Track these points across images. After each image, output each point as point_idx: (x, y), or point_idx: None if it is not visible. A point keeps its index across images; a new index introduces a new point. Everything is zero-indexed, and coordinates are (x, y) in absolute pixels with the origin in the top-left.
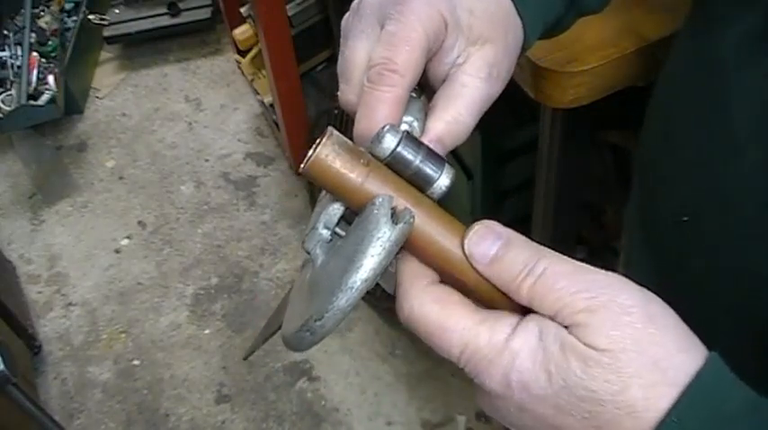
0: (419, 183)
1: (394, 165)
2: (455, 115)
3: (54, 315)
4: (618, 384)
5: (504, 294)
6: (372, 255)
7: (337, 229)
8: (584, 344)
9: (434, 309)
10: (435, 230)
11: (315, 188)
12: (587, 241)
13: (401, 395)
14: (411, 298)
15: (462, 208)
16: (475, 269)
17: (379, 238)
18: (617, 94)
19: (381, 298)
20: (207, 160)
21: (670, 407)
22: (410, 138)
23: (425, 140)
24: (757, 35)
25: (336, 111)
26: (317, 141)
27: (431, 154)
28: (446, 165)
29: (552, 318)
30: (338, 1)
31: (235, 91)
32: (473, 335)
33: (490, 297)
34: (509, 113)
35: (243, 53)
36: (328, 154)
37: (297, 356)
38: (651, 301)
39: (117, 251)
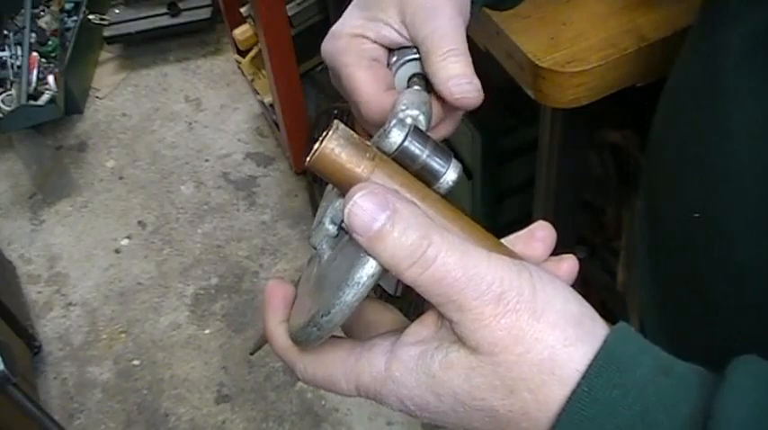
0: (426, 178)
1: (401, 160)
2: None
3: (54, 315)
4: (504, 389)
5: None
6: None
7: (344, 225)
8: (467, 347)
9: (318, 368)
10: (441, 224)
11: (315, 188)
12: (587, 241)
13: None
14: (293, 362)
15: (462, 208)
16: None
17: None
18: (617, 93)
19: (381, 298)
20: (207, 160)
21: (561, 406)
22: (417, 132)
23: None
24: (763, 33)
25: (336, 112)
26: (323, 134)
27: (438, 148)
28: (453, 159)
29: (439, 310)
30: (338, 1)
31: (235, 91)
32: (356, 376)
33: None
34: (509, 113)
35: (243, 53)
36: (334, 147)
37: None
38: (539, 292)
39: (117, 251)
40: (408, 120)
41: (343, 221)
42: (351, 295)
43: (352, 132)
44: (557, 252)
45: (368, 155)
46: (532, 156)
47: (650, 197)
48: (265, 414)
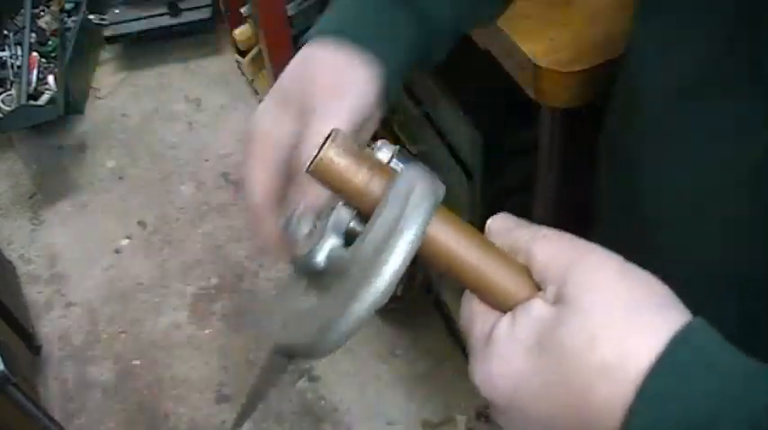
0: None
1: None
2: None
3: (54, 315)
4: (585, 339)
5: (498, 289)
6: (401, 251)
7: (353, 225)
8: (562, 301)
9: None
10: (438, 230)
11: None
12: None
13: (401, 395)
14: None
15: (462, 208)
16: (479, 260)
17: (421, 206)
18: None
19: None
20: (207, 160)
21: (648, 367)
22: (403, 152)
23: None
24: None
25: None
26: (323, 142)
27: (424, 166)
28: (437, 179)
29: (541, 273)
30: None
31: (235, 91)
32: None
33: (490, 291)
34: (509, 113)
35: (243, 53)
36: (333, 156)
37: None
38: (627, 262)
39: (117, 251)
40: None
41: (347, 228)
42: (389, 278)
43: (350, 140)
44: None
45: (367, 164)
46: (532, 156)
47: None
48: (265, 414)
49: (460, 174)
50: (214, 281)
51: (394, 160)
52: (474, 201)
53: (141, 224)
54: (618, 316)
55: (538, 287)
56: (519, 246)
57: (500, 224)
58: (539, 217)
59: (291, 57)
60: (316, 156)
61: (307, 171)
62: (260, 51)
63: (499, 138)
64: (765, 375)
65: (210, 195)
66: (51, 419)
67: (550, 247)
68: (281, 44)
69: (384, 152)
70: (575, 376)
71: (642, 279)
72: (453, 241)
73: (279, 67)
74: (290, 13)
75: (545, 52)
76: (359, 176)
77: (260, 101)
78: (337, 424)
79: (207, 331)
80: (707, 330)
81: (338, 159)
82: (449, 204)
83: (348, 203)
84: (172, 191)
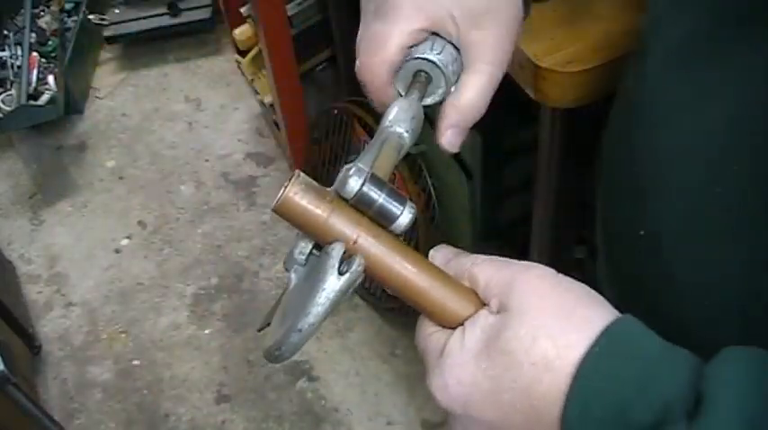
0: (382, 221)
1: (358, 205)
2: (467, 101)
3: (54, 315)
4: (527, 338)
5: (447, 309)
6: (318, 305)
7: (313, 253)
8: (505, 309)
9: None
10: (394, 260)
11: None
12: (587, 241)
13: (401, 395)
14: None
15: (462, 208)
16: (430, 285)
17: (325, 290)
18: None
19: (382, 298)
20: (207, 160)
21: (582, 355)
22: (374, 179)
23: (442, 127)
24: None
25: (336, 112)
26: (286, 183)
27: (393, 193)
28: (408, 203)
29: (484, 290)
30: (338, 1)
31: (235, 91)
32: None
33: (441, 311)
34: (509, 113)
35: (243, 53)
36: (296, 192)
37: (297, 356)
38: (561, 275)
39: (117, 251)
40: (397, 131)
41: (308, 256)
42: (296, 338)
43: (311, 180)
44: (557, 252)
45: (327, 198)
46: (532, 156)
47: (603, 210)
48: (265, 414)
49: (460, 174)
50: (214, 281)
51: (365, 187)
52: (474, 201)
53: (141, 224)
54: (556, 316)
55: (483, 303)
56: (462, 271)
57: (443, 254)
58: (539, 217)
59: (291, 57)
60: (280, 195)
61: (273, 209)
62: (260, 51)
63: (499, 138)
64: (685, 358)
65: (210, 195)
66: (51, 419)
67: (491, 268)
68: (281, 44)
69: (354, 179)
70: (520, 374)
71: (575, 285)
72: (404, 269)
73: (279, 66)
74: (290, 13)
75: (545, 52)
76: (319, 212)
77: (260, 101)
78: (337, 424)
79: (207, 331)
80: (635, 322)
81: (300, 197)
82: (450, 204)
83: (309, 237)
84: (172, 191)
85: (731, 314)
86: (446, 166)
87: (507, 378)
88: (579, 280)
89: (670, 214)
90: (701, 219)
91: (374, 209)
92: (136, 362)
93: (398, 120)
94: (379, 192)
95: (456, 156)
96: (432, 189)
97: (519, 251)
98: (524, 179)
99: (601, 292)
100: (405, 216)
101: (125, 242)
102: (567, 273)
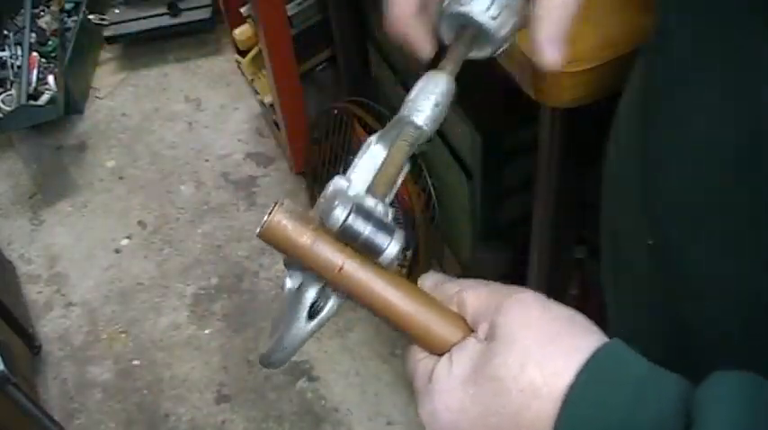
0: (368, 253)
1: (344, 237)
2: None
3: (54, 315)
4: (515, 365)
5: (434, 335)
6: (287, 346)
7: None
8: (493, 336)
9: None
10: (380, 287)
11: (315, 189)
12: (587, 241)
13: (401, 395)
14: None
15: (462, 208)
16: (416, 310)
17: (291, 333)
18: (617, 93)
19: None
20: (207, 160)
21: (570, 382)
22: (359, 211)
23: (536, 43)
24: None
25: (336, 112)
26: (270, 209)
27: (380, 225)
28: (395, 234)
29: (472, 316)
30: (338, 1)
31: (235, 91)
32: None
33: (428, 337)
34: (509, 113)
35: (243, 53)
36: (281, 219)
37: (297, 356)
38: (549, 300)
39: (117, 251)
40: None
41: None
42: (276, 360)
43: (295, 207)
44: (556, 252)
45: (311, 226)
46: (532, 156)
47: (606, 210)
48: (265, 414)
49: (460, 174)
50: (214, 281)
51: (350, 220)
52: (474, 201)
53: (141, 224)
54: (544, 343)
55: (471, 329)
56: (450, 297)
57: (431, 280)
58: (539, 217)
59: (291, 57)
60: (264, 221)
61: (257, 235)
62: (260, 51)
63: (499, 138)
64: (674, 382)
65: (210, 195)
66: (51, 419)
67: (479, 294)
68: (281, 44)
69: (340, 210)
70: (508, 401)
71: (563, 311)
72: (390, 295)
73: (279, 66)
74: (290, 13)
75: None
76: (303, 239)
77: (260, 101)
78: (337, 424)
79: (207, 331)
80: (623, 347)
81: (285, 223)
82: (450, 205)
83: (295, 262)
84: (172, 191)
85: (731, 314)
86: (446, 166)
87: (496, 404)
88: (579, 280)
89: (676, 215)
90: (705, 220)
91: (359, 242)
92: (136, 362)
93: (417, 110)
94: (364, 225)
95: (456, 156)
96: (432, 189)
97: (519, 251)
98: (524, 179)
99: (601, 292)
100: (391, 248)
101: (125, 242)
102: (567, 273)
